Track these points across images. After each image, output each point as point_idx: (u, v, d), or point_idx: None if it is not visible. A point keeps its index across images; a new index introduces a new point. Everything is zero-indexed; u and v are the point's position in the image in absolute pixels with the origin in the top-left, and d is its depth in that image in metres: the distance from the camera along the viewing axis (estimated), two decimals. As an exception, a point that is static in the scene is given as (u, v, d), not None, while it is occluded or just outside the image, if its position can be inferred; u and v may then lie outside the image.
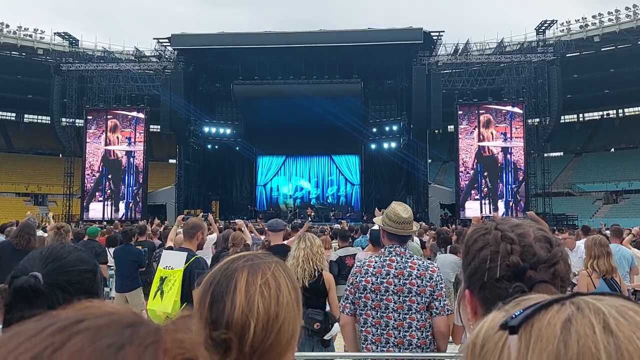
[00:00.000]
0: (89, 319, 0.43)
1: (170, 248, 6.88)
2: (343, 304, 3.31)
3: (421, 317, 3.09)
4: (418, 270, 3.12)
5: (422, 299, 3.09)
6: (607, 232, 10.50)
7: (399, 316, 3.09)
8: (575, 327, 0.45)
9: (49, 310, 1.13)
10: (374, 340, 3.13)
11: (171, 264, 4.22)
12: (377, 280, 3.14)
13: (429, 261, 3.33)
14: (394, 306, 3.09)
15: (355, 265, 3.41)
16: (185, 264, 4.18)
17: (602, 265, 4.47)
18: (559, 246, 1.05)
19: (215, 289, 1.03)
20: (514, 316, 0.50)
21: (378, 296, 3.13)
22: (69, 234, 6.58)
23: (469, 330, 1.06)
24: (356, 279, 3.24)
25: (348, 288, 3.28)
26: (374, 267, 3.19)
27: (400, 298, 3.09)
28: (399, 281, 3.10)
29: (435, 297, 3.09)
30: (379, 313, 3.12)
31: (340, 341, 4.21)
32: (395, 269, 3.14)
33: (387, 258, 3.20)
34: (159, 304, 4.12)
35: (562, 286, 1.01)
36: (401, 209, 3.29)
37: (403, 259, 3.17)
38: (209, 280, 1.06)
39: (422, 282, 3.08)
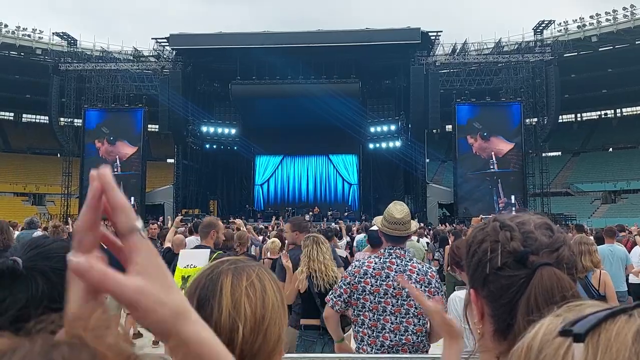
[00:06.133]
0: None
1: (169, 249, 6.91)
2: (334, 299, 3.24)
3: (418, 321, 3.07)
4: (417, 274, 3.08)
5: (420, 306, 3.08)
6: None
7: (396, 319, 3.07)
8: None
9: (29, 296, 1.09)
10: (369, 342, 3.11)
11: (193, 262, 4.15)
12: (376, 282, 3.11)
13: (428, 265, 3.30)
14: (391, 309, 3.07)
15: (353, 265, 3.35)
16: (210, 260, 4.22)
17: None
18: (561, 233, 1.01)
19: (201, 293, 1.02)
20: (575, 323, 0.48)
21: (377, 298, 3.10)
22: (64, 234, 6.62)
23: (476, 335, 1.03)
24: (355, 279, 3.18)
25: (343, 287, 3.22)
26: (374, 269, 3.14)
27: (399, 301, 3.07)
28: (398, 284, 3.06)
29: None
30: (376, 315, 3.10)
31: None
32: (395, 271, 3.09)
33: (387, 260, 3.15)
34: None
35: (569, 273, 0.95)
36: (396, 209, 3.22)
37: (403, 262, 3.13)
38: (194, 285, 1.05)
39: (420, 287, 3.04)
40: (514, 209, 26.99)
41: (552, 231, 1.00)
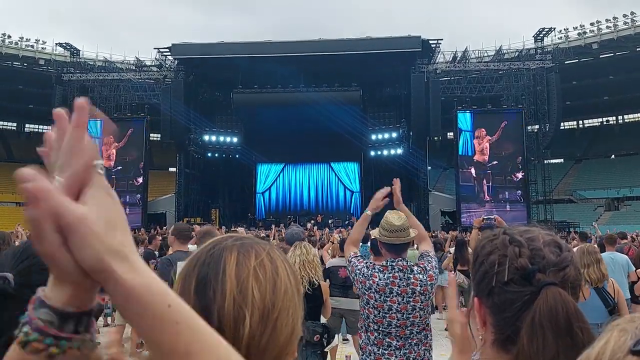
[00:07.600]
0: None
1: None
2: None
3: (424, 338, 3.20)
4: (421, 286, 3.11)
5: (424, 313, 3.14)
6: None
7: (400, 327, 3.14)
8: None
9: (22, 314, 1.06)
10: (375, 342, 3.15)
11: None
12: (380, 298, 3.14)
13: (426, 270, 3.23)
14: (397, 322, 3.11)
15: (361, 271, 3.25)
16: None
17: (592, 274, 4.32)
18: (568, 251, 1.02)
19: (201, 271, 0.83)
20: None
21: (381, 313, 3.14)
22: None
23: (478, 341, 1.05)
24: (360, 290, 3.24)
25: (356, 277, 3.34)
26: (377, 285, 3.15)
27: (404, 315, 3.10)
28: (403, 299, 3.09)
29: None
30: (380, 327, 3.14)
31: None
32: (399, 286, 3.11)
33: (390, 275, 3.14)
34: None
35: (572, 293, 0.97)
36: (394, 216, 3.23)
37: (405, 275, 3.13)
38: (193, 261, 0.87)
39: (425, 298, 3.11)
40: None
41: (560, 249, 1.01)
